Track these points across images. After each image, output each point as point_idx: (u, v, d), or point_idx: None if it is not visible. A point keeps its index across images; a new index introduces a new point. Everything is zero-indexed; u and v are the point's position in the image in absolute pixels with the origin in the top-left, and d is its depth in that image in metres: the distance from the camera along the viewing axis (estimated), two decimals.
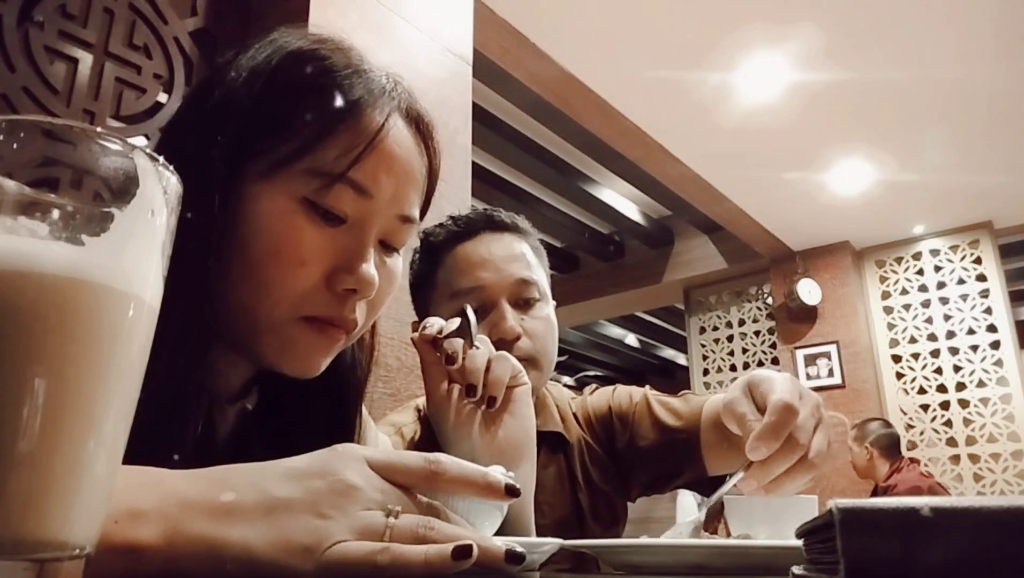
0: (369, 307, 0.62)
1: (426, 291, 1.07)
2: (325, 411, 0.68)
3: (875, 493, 3.74)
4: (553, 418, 1.12)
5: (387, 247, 0.63)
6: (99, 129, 0.29)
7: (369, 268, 0.58)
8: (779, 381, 0.79)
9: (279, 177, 0.57)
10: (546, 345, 1.05)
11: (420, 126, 0.64)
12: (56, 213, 0.28)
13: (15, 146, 0.27)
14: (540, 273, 1.07)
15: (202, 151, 0.56)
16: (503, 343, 0.99)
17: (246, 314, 0.58)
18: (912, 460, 3.94)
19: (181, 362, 0.53)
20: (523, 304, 1.03)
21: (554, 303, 1.14)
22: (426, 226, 1.11)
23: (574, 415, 1.17)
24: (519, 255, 1.04)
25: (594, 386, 1.24)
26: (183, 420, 0.55)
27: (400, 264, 0.66)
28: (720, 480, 1.15)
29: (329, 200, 0.57)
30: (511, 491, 0.46)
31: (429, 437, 1.07)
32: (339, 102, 0.58)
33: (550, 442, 1.11)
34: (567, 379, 7.00)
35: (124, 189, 0.29)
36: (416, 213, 0.64)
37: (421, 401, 1.13)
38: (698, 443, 1.06)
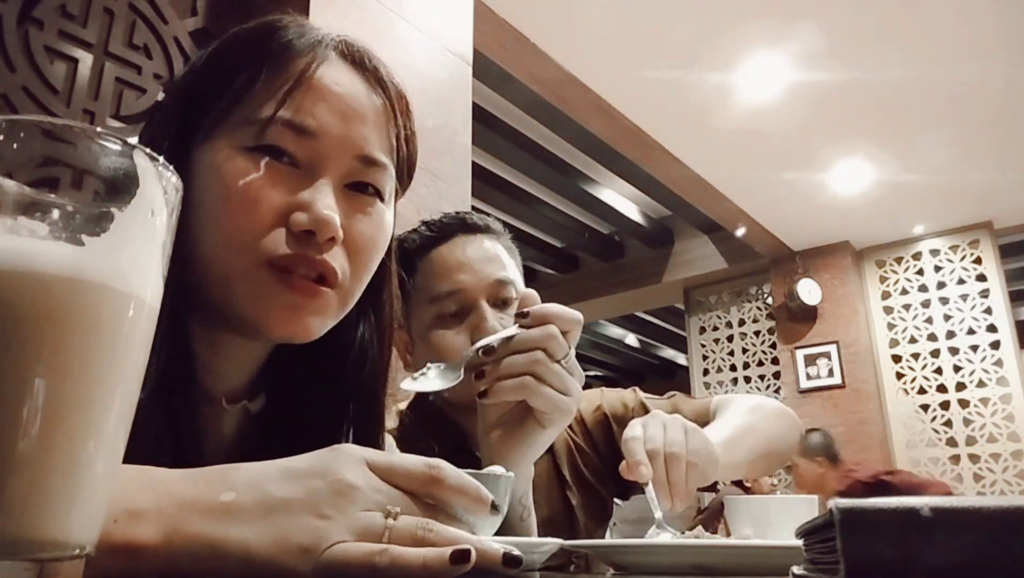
0: (351, 255, 0.60)
1: (403, 298, 1.08)
2: (335, 412, 0.66)
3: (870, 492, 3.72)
4: None
5: (358, 189, 0.61)
6: (99, 129, 0.29)
7: (324, 207, 0.56)
8: (639, 423, 0.90)
9: (222, 133, 0.57)
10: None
11: (366, 65, 0.63)
12: (56, 213, 0.28)
13: (15, 146, 0.27)
14: (516, 273, 1.08)
15: (157, 132, 0.59)
16: None
17: (215, 270, 0.57)
18: (857, 463, 3.96)
19: (161, 357, 0.51)
20: (501, 304, 1.03)
21: None
22: (400, 232, 1.12)
23: None
24: (494, 256, 1.05)
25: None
26: (170, 417, 0.54)
27: (385, 213, 0.63)
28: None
29: (267, 143, 0.57)
30: (495, 509, 0.46)
31: (404, 435, 1.08)
32: (269, 51, 0.58)
33: None
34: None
35: (124, 189, 0.29)
36: (380, 155, 0.61)
37: (404, 404, 1.15)
38: None
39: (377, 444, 0.67)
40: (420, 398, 1.12)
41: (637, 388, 1.24)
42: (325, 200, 0.57)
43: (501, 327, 1.00)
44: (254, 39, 0.61)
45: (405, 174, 0.67)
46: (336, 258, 0.58)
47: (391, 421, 1.12)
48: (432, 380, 0.78)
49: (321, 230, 0.56)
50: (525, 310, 0.79)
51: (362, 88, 0.62)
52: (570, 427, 1.18)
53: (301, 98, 0.58)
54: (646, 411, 1.16)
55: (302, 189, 0.57)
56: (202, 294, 0.58)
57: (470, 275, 1.02)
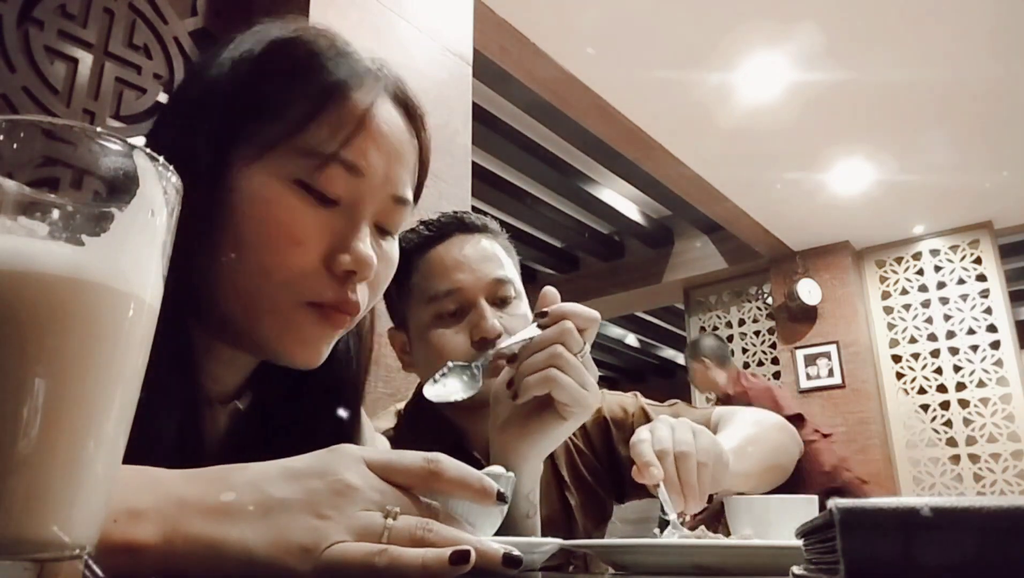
0: (369, 289, 0.62)
1: (402, 298, 1.08)
2: (322, 410, 0.68)
3: (725, 401, 3.86)
4: None
5: (382, 230, 0.63)
6: (99, 129, 0.29)
7: (366, 248, 0.58)
8: (647, 428, 0.89)
9: (269, 160, 0.56)
10: None
11: (409, 109, 0.64)
12: (56, 213, 0.28)
13: (15, 146, 0.27)
14: (514, 272, 1.08)
15: (189, 141, 0.56)
16: (485, 342, 1.00)
17: (247, 300, 0.57)
18: (752, 374, 4.15)
19: (164, 360, 0.52)
20: (500, 303, 1.04)
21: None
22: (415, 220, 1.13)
23: None
24: (492, 255, 1.05)
25: None
26: (166, 420, 0.55)
27: (396, 248, 0.65)
28: None
29: (322, 180, 0.57)
30: (501, 498, 0.46)
31: (401, 435, 1.08)
32: (325, 83, 0.58)
33: None
34: None
35: (124, 189, 0.29)
36: (409, 195, 0.63)
37: (401, 405, 1.15)
38: None
39: (355, 441, 0.69)
40: (417, 398, 1.12)
41: (638, 393, 1.24)
42: (366, 241, 0.59)
43: (500, 326, 1.01)
44: (303, 64, 0.59)
45: (419, 196, 0.69)
46: (360, 293, 0.60)
47: (388, 421, 1.12)
48: (454, 388, 0.78)
49: (362, 271, 0.58)
50: (544, 309, 0.79)
51: (405, 131, 0.63)
52: None
53: (357, 137, 0.58)
54: (647, 417, 1.16)
55: (343, 228, 0.58)
56: (219, 310, 0.58)
57: (468, 274, 1.02)
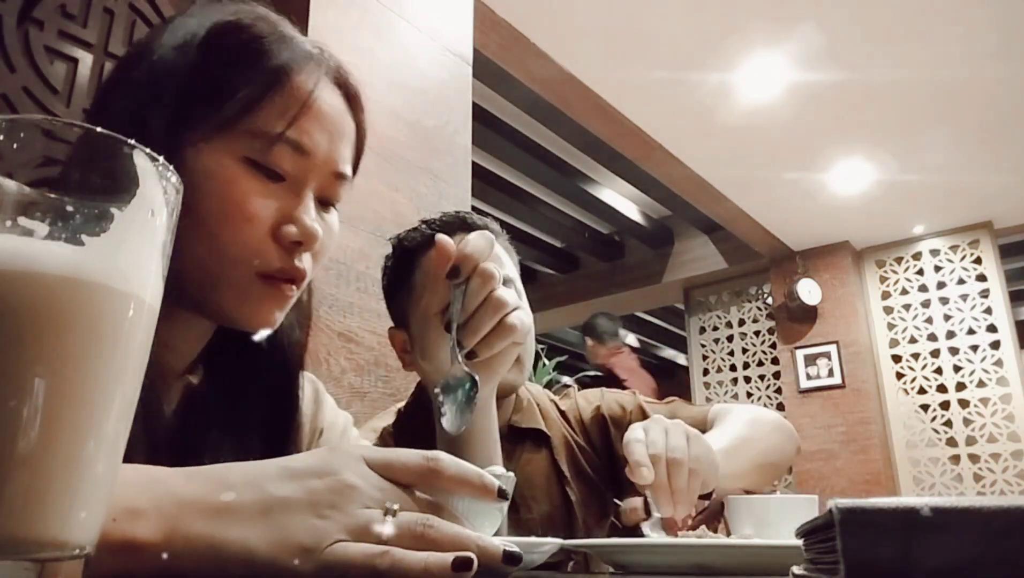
0: (313, 258, 0.66)
1: (402, 296, 1.08)
2: (269, 377, 0.70)
3: (602, 371, 4.43)
4: (534, 416, 1.15)
5: (325, 203, 0.67)
6: (99, 129, 0.29)
7: (311, 220, 0.63)
8: (641, 426, 0.90)
9: (220, 140, 0.60)
10: (528, 339, 1.06)
11: (347, 90, 0.68)
12: (56, 213, 0.28)
13: (15, 146, 0.27)
14: (514, 272, 1.09)
15: (138, 124, 0.59)
16: None
17: (204, 272, 0.61)
18: (633, 348, 4.65)
19: None
20: None
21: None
22: (401, 231, 1.13)
23: (562, 413, 1.20)
24: (495, 256, 1.06)
25: (576, 387, 1.28)
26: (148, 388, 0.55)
27: (337, 219, 0.69)
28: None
29: (270, 158, 0.61)
30: (502, 494, 0.46)
31: (401, 433, 1.08)
32: (271, 66, 0.62)
33: (532, 439, 1.14)
34: (567, 379, 7.00)
35: (124, 189, 0.29)
36: (349, 170, 0.68)
37: (402, 404, 1.15)
38: None
39: (293, 413, 0.71)
40: (417, 397, 1.12)
41: (637, 391, 1.25)
42: (311, 214, 0.63)
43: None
44: (249, 48, 0.63)
45: (356, 170, 0.73)
46: (306, 262, 0.64)
47: (389, 419, 1.13)
48: (460, 408, 0.77)
49: (308, 242, 0.63)
50: (454, 267, 0.76)
51: (344, 111, 0.67)
52: (569, 425, 1.19)
53: (303, 118, 0.62)
54: (645, 415, 1.16)
55: (289, 202, 0.63)
56: (179, 280, 0.59)
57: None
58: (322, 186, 0.65)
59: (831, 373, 5.19)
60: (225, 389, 0.68)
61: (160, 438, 0.59)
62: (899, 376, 5.18)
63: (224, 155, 0.60)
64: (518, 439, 1.12)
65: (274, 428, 0.70)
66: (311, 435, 0.77)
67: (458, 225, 1.07)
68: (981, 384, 4.90)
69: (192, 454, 0.62)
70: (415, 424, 1.10)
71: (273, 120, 0.61)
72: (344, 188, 0.68)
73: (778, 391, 5.51)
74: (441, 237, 0.78)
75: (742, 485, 1.06)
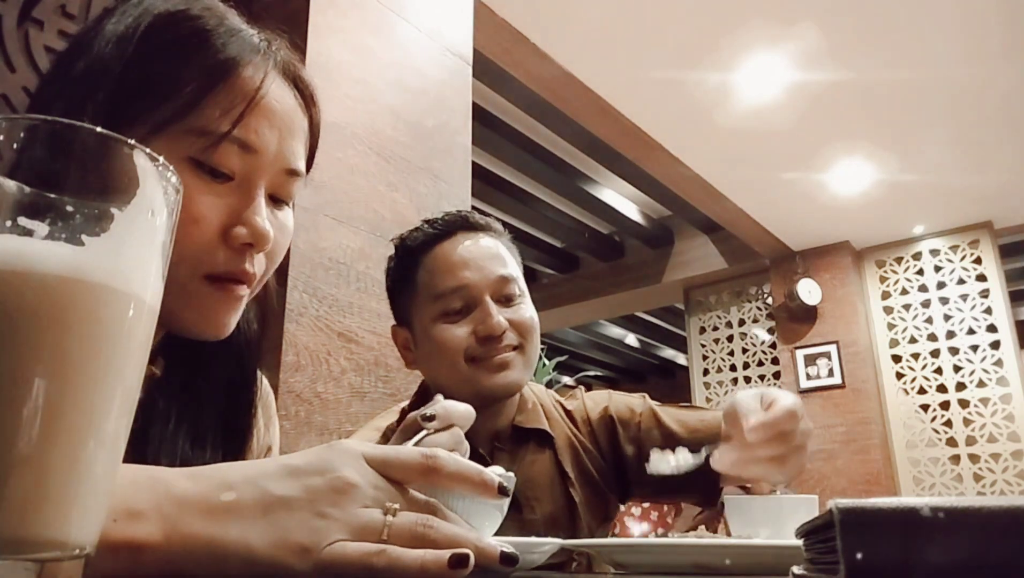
0: (267, 259, 0.63)
1: (406, 295, 1.09)
2: (225, 371, 0.69)
3: None
4: (538, 416, 1.14)
5: (276, 201, 0.64)
6: (99, 129, 0.29)
7: (263, 221, 0.60)
8: (790, 395, 0.93)
9: (161, 139, 0.56)
10: (532, 337, 1.08)
11: (299, 84, 0.65)
12: (56, 213, 0.28)
13: (15, 146, 0.27)
14: (517, 271, 1.10)
15: (74, 118, 0.56)
16: (492, 339, 1.02)
17: None
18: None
19: None
20: (505, 300, 1.05)
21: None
22: (401, 231, 1.14)
23: (568, 413, 1.18)
24: (497, 254, 1.07)
25: (582, 388, 1.26)
26: None
27: (291, 217, 0.67)
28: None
29: (216, 158, 0.58)
30: (503, 490, 0.46)
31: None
32: (215, 61, 0.58)
33: (536, 439, 1.13)
34: (567, 379, 7.00)
35: (124, 189, 0.29)
36: (302, 166, 0.65)
37: (405, 403, 1.15)
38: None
39: (249, 408, 0.70)
40: (421, 396, 1.12)
41: (647, 395, 1.23)
42: (261, 214, 0.60)
43: (505, 323, 1.03)
44: (192, 41, 0.59)
45: (310, 166, 0.70)
46: (258, 263, 0.62)
47: (391, 417, 1.13)
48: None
49: (259, 243, 0.60)
50: (430, 413, 0.71)
51: (295, 105, 0.64)
52: (574, 424, 1.17)
53: (249, 116, 0.59)
54: (656, 418, 1.15)
55: (238, 202, 0.60)
56: None
57: (475, 272, 1.03)
58: (274, 184, 0.63)
59: (831, 373, 5.19)
60: (183, 381, 0.66)
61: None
62: (899, 376, 5.18)
63: (167, 155, 0.58)
64: (522, 439, 1.12)
65: (231, 421, 0.69)
66: (262, 451, 0.76)
67: (460, 224, 1.08)
68: (981, 384, 4.90)
69: (152, 444, 0.61)
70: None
71: (218, 118, 0.57)
72: (297, 185, 0.65)
73: None
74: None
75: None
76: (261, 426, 0.75)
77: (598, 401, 1.21)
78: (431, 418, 0.69)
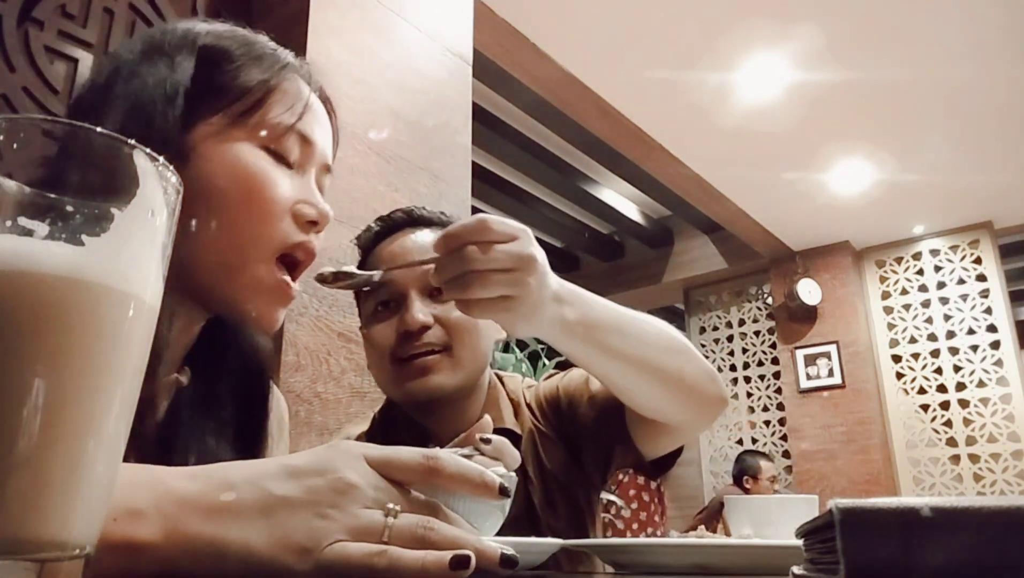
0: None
1: (358, 296, 1.08)
2: (246, 381, 0.73)
3: None
4: (505, 413, 1.06)
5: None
6: (99, 129, 0.29)
7: (323, 203, 0.69)
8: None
9: (237, 131, 0.65)
10: (464, 337, 0.99)
11: (323, 94, 0.74)
12: (56, 213, 0.28)
13: (15, 146, 0.27)
14: None
15: (144, 118, 0.61)
16: (409, 335, 0.96)
17: (224, 261, 0.63)
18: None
19: None
20: (437, 293, 0.98)
21: None
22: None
23: (528, 405, 1.10)
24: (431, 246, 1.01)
25: (552, 372, 1.18)
26: (150, 385, 0.55)
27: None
28: (668, 461, 1.09)
29: (284, 146, 0.67)
30: (504, 491, 0.46)
31: (373, 439, 1.06)
32: (275, 66, 0.68)
33: (502, 436, 1.05)
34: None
35: (124, 189, 0.29)
36: (332, 165, 0.75)
37: (376, 411, 1.13)
38: (622, 412, 1.02)
39: (264, 418, 0.74)
40: (389, 403, 1.11)
41: None
42: (319, 196, 0.69)
43: (428, 317, 0.97)
44: (254, 48, 0.69)
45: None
46: (316, 242, 0.69)
47: (363, 425, 1.12)
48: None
49: (322, 221, 0.68)
50: (487, 437, 0.67)
51: (325, 111, 0.74)
52: (534, 415, 1.10)
53: (307, 114, 0.69)
54: (588, 380, 1.07)
55: (300, 187, 0.68)
56: (192, 278, 0.63)
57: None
58: (316, 177, 0.70)
59: (831, 373, 5.19)
60: (207, 390, 0.70)
61: (150, 436, 0.60)
62: (899, 376, 5.18)
63: (244, 144, 0.65)
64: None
65: (247, 429, 0.72)
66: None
67: (405, 221, 1.05)
68: (981, 384, 4.90)
69: (178, 453, 0.64)
70: (390, 428, 1.08)
71: (282, 113, 0.66)
72: (328, 181, 0.73)
73: (778, 391, 5.51)
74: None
75: (610, 373, 0.91)
76: (274, 436, 0.77)
77: (552, 381, 1.13)
78: (488, 441, 0.68)
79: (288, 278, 0.67)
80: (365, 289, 1.02)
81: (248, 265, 0.64)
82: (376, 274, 0.80)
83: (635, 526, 4.25)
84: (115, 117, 0.62)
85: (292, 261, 0.67)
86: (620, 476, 4.38)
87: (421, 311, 0.97)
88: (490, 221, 0.74)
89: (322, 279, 0.80)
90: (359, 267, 1.04)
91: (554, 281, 0.81)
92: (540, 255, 0.77)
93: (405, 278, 0.99)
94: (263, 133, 0.65)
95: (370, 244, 1.06)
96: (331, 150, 0.74)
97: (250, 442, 0.72)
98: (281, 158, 0.66)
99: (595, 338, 0.86)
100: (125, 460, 0.41)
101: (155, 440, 0.63)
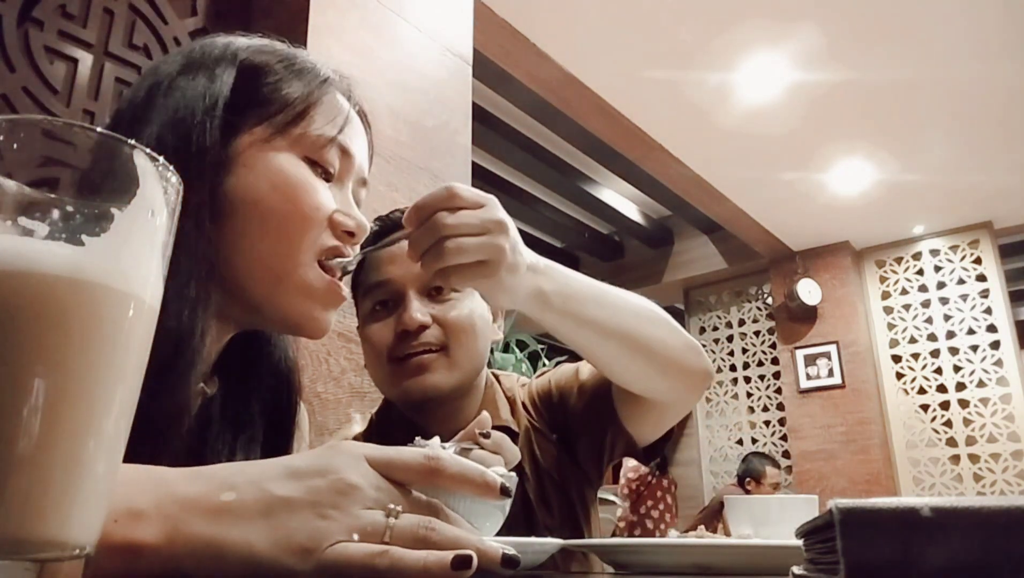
0: None
1: (354, 292, 1.08)
2: (274, 392, 0.73)
3: None
4: (502, 411, 1.07)
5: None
6: (99, 129, 0.29)
7: (360, 214, 0.69)
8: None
9: (280, 142, 0.65)
10: (461, 337, 0.99)
11: (360, 108, 0.74)
12: (56, 213, 0.28)
13: (15, 146, 0.27)
14: None
15: (186, 138, 0.62)
16: (407, 335, 0.97)
17: (270, 268, 0.64)
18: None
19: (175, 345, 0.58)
20: (435, 293, 1.00)
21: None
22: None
23: (523, 403, 1.11)
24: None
25: (545, 369, 1.18)
26: (158, 399, 0.55)
27: None
28: (657, 448, 1.09)
29: (325, 157, 0.67)
30: (505, 492, 0.46)
31: (370, 440, 1.06)
32: (316, 82, 0.69)
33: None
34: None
35: (124, 189, 0.29)
36: (367, 177, 0.76)
37: (373, 412, 1.14)
38: (610, 396, 1.02)
39: (290, 428, 0.75)
40: (386, 403, 1.11)
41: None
42: (357, 207, 0.71)
43: (426, 317, 0.97)
44: (296, 62, 0.70)
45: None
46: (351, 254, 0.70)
47: (360, 426, 1.13)
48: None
49: (360, 233, 0.69)
50: (486, 432, 0.70)
51: (363, 126, 0.75)
52: (528, 412, 1.10)
53: (347, 127, 0.70)
54: (578, 372, 1.08)
55: (339, 197, 0.69)
56: (235, 286, 0.64)
57: (399, 265, 0.99)
58: (353, 189, 0.71)
59: (831, 373, 5.19)
60: (235, 401, 0.70)
61: (181, 446, 0.60)
62: (899, 376, 5.18)
63: (288, 153, 0.66)
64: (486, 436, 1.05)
65: (272, 442, 0.72)
66: None
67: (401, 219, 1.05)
68: (981, 384, 4.90)
69: (206, 463, 0.63)
70: (387, 428, 1.08)
71: (324, 125, 0.67)
72: (364, 194, 0.74)
73: (778, 391, 5.51)
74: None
75: (590, 345, 0.90)
76: (294, 448, 0.78)
77: (544, 377, 1.14)
78: (487, 437, 0.68)
79: (336, 279, 0.67)
80: (363, 291, 1.03)
81: (297, 270, 0.64)
82: (356, 257, 0.79)
83: (649, 524, 4.26)
84: (152, 129, 0.62)
85: (327, 269, 0.67)
86: (634, 480, 4.38)
87: (419, 310, 0.97)
88: (457, 188, 0.74)
89: None
90: (360, 266, 1.04)
91: (528, 253, 0.82)
92: (509, 221, 0.79)
93: (403, 278, 0.99)
94: (304, 144, 0.66)
95: (369, 244, 1.05)
96: (368, 163, 0.74)
97: (276, 450, 0.72)
98: (322, 170, 0.67)
99: (573, 309, 0.86)
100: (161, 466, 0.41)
101: (186, 450, 0.63)
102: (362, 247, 1.06)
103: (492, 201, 0.78)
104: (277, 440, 0.73)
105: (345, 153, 0.69)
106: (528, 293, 0.82)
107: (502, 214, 0.78)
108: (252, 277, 0.64)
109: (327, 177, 0.68)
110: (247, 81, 0.66)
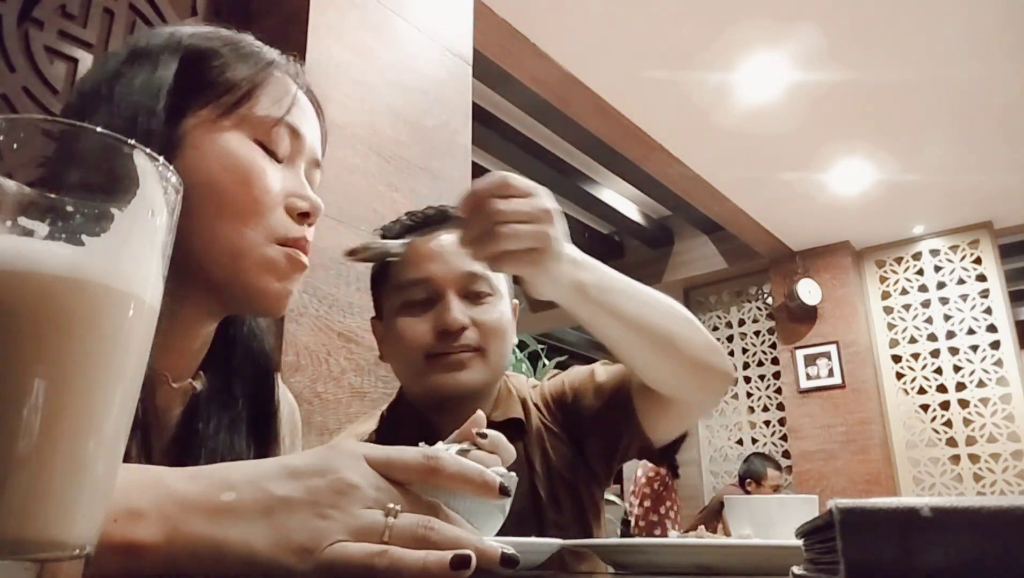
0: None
1: (380, 284, 1.08)
2: (255, 381, 0.73)
3: None
4: (515, 406, 1.09)
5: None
6: (99, 129, 0.29)
7: (315, 196, 0.69)
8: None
9: (226, 122, 0.65)
10: (496, 340, 1.02)
11: (309, 93, 0.74)
12: (56, 213, 0.28)
13: (15, 146, 0.27)
14: (504, 287, 1.05)
15: (136, 111, 0.62)
16: (448, 335, 0.98)
17: (229, 245, 0.64)
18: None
19: None
20: (473, 296, 1.01)
21: (516, 302, 1.10)
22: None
23: (535, 404, 1.13)
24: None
25: (555, 372, 1.20)
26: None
27: None
28: (671, 449, 1.11)
29: (274, 139, 0.67)
30: (504, 491, 0.46)
31: (383, 437, 1.06)
32: (260, 64, 0.69)
33: (510, 431, 1.07)
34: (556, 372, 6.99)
35: (124, 189, 0.29)
36: (321, 159, 0.75)
37: (384, 408, 1.13)
38: (630, 397, 1.03)
39: (273, 414, 0.74)
40: (400, 397, 1.11)
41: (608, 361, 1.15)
42: (311, 189, 0.69)
43: (466, 319, 0.99)
44: (240, 45, 0.70)
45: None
46: (309, 234, 0.69)
47: (372, 423, 1.12)
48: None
49: (315, 213, 0.68)
50: (483, 433, 0.69)
51: (313, 108, 0.74)
52: (540, 411, 1.12)
53: (295, 108, 0.69)
54: (593, 373, 1.10)
55: (291, 177, 0.68)
56: (195, 265, 0.63)
57: (440, 264, 1.00)
58: (306, 171, 0.70)
59: (831, 373, 5.19)
60: (220, 394, 0.70)
61: (167, 443, 0.60)
62: (899, 376, 5.18)
63: (236, 133, 0.65)
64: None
65: (259, 429, 0.72)
66: None
67: (439, 217, 1.05)
68: (981, 384, 4.90)
69: (195, 459, 0.64)
70: (398, 425, 1.07)
71: (270, 106, 0.67)
72: (318, 176, 0.73)
73: (778, 391, 5.51)
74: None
75: (622, 338, 0.93)
76: (287, 440, 0.77)
77: (557, 378, 1.15)
78: (484, 437, 0.69)
79: (297, 250, 0.66)
80: (395, 285, 1.03)
81: (254, 248, 0.64)
82: (399, 243, 0.81)
83: (668, 524, 4.26)
84: (98, 120, 0.61)
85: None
86: (654, 479, 4.37)
87: (461, 312, 0.99)
88: (510, 177, 0.77)
89: (352, 252, 0.83)
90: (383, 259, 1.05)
91: (569, 246, 0.85)
92: (558, 211, 0.81)
93: (444, 278, 1.00)
94: (252, 125, 0.66)
95: (398, 235, 1.05)
96: (320, 146, 0.74)
97: (263, 441, 0.72)
98: (270, 151, 0.67)
99: (609, 302, 0.89)
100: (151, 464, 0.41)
101: (173, 447, 0.64)
102: (392, 238, 1.06)
103: (542, 191, 0.80)
104: (262, 425, 0.73)
105: (295, 134, 0.68)
106: (569, 284, 0.85)
107: (551, 204, 0.80)
108: (212, 259, 0.63)
109: (277, 159, 0.68)
110: (192, 66, 0.66)
